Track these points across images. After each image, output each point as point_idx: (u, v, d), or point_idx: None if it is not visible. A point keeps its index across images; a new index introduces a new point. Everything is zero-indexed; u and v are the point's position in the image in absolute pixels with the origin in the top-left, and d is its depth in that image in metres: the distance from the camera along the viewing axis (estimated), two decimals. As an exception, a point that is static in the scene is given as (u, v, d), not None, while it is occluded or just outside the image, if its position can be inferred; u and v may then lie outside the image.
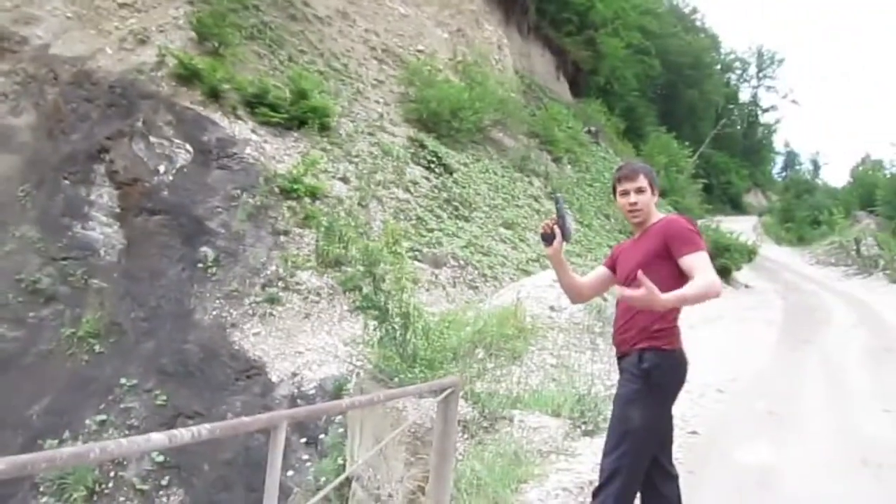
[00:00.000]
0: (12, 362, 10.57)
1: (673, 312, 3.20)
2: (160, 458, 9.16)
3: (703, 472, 5.22)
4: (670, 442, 3.40)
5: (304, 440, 8.46)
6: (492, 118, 19.95)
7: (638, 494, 3.28)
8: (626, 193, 3.32)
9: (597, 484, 3.23)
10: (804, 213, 37.41)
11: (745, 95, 67.46)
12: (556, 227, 3.32)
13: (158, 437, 1.63)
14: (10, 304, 11.00)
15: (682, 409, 6.63)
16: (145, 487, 9.09)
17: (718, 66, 60.60)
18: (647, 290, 2.82)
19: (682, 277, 3.14)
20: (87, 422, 9.79)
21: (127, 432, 9.47)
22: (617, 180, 3.38)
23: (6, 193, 12.17)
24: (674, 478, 3.33)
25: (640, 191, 3.29)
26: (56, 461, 1.45)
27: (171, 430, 1.68)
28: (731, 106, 62.11)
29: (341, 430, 7.44)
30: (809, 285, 20.97)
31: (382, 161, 14.35)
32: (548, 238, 3.34)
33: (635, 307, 3.21)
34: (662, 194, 3.16)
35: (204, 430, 1.78)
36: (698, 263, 3.11)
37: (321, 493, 3.20)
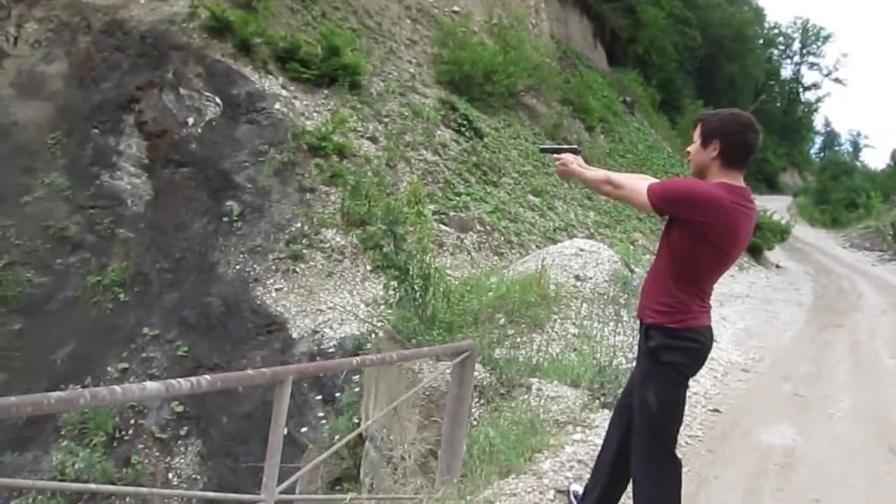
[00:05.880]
0: (39, 308, 10.70)
1: (682, 288, 2.91)
2: (179, 409, 9.25)
3: (723, 450, 5.13)
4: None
5: (320, 398, 8.47)
6: (525, 83, 19.62)
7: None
8: None
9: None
10: (840, 195, 36.75)
11: (786, 72, 66.04)
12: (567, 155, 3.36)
13: (154, 386, 1.54)
14: (37, 250, 11.13)
15: (705, 386, 6.52)
16: (164, 436, 9.19)
17: (761, 41, 59.28)
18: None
19: (694, 246, 2.86)
20: (109, 369, 9.89)
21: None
22: None
23: (37, 141, 12.24)
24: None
25: (693, 141, 3.06)
26: (43, 406, 1.38)
27: (169, 381, 1.60)
28: (772, 82, 60.88)
29: (357, 389, 7.43)
30: (841, 268, 20.58)
31: (412, 122, 14.18)
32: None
33: (653, 275, 3.11)
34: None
35: (204, 381, 1.70)
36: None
37: (331, 450, 3.16)
